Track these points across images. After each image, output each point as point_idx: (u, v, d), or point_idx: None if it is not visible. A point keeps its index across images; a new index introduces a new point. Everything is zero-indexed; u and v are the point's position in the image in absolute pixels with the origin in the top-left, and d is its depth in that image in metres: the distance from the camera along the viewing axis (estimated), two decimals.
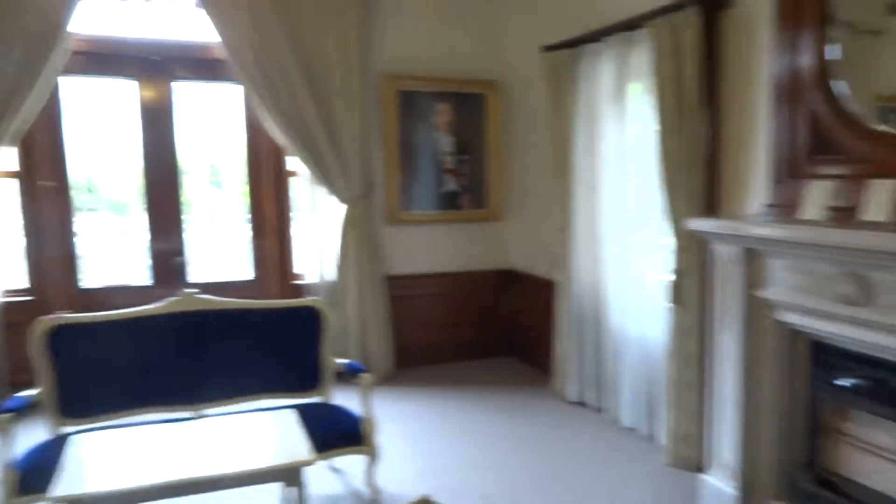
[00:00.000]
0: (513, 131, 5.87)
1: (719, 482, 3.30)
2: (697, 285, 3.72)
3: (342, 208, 5.29)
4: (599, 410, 4.67)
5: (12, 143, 4.57)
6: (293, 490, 2.63)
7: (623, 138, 4.32)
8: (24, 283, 4.94)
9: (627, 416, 4.36)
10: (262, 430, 2.87)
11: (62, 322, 3.40)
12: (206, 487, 2.45)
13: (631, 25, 4.05)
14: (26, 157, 4.81)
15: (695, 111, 3.65)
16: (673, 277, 3.77)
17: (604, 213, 4.54)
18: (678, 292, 3.75)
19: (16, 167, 4.80)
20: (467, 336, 5.97)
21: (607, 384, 4.58)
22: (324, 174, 5.20)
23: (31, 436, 3.35)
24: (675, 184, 3.72)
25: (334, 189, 5.25)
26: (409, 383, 5.37)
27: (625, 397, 4.38)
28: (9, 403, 3.10)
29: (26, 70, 4.41)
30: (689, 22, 3.58)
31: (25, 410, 3.14)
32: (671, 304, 3.79)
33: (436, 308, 5.86)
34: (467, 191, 5.87)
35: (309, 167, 5.18)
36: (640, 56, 4.04)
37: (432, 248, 5.85)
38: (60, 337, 3.37)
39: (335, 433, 3.36)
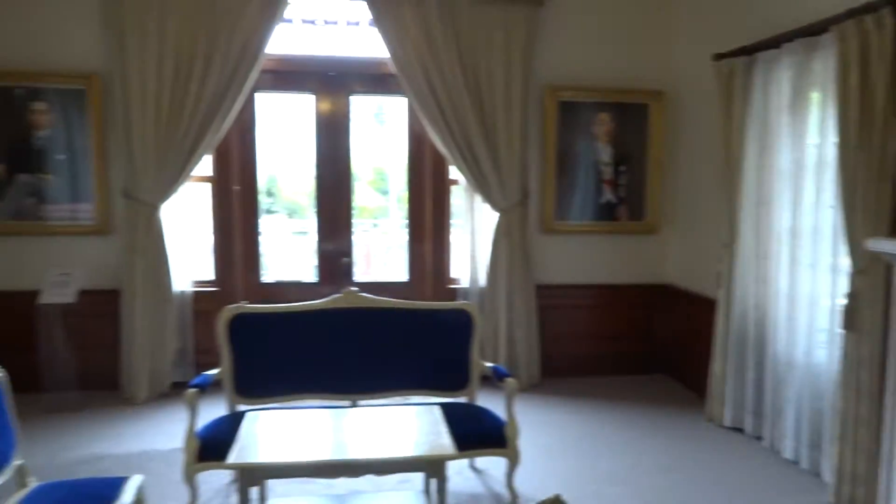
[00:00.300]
0: (676, 142, 5.66)
1: None
2: (877, 312, 3.38)
3: (497, 216, 5.40)
4: (758, 438, 4.38)
5: (211, 152, 5.18)
6: (435, 482, 2.75)
7: (798, 151, 4.04)
8: (211, 275, 5.56)
9: (789, 447, 4.05)
10: (410, 422, 3.03)
11: (243, 311, 3.80)
12: (358, 470, 2.64)
13: (813, 30, 3.79)
14: (220, 163, 5.42)
15: (884, 123, 3.33)
16: (848, 301, 3.46)
17: (773, 229, 4.26)
18: (853, 318, 3.43)
19: (210, 173, 5.42)
20: (617, 350, 5.84)
21: (767, 411, 4.28)
22: (481, 183, 5.35)
23: (211, 411, 3.79)
24: (855, 201, 3.42)
25: (490, 197, 5.38)
26: (553, 393, 5.35)
27: (787, 427, 4.07)
28: (195, 380, 3.52)
29: (227, 87, 4.98)
30: (881, 25, 3.28)
31: (208, 387, 3.54)
32: (845, 331, 3.48)
33: (586, 319, 5.79)
34: (624, 202, 5.75)
35: (467, 176, 5.35)
36: (823, 63, 3.77)
37: (586, 258, 5.78)
38: (240, 324, 3.77)
39: (478, 434, 3.45)
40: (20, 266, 5.11)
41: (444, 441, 2.71)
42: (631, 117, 5.67)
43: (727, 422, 4.60)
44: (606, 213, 5.75)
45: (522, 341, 5.45)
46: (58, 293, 4.89)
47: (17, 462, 2.67)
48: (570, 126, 5.61)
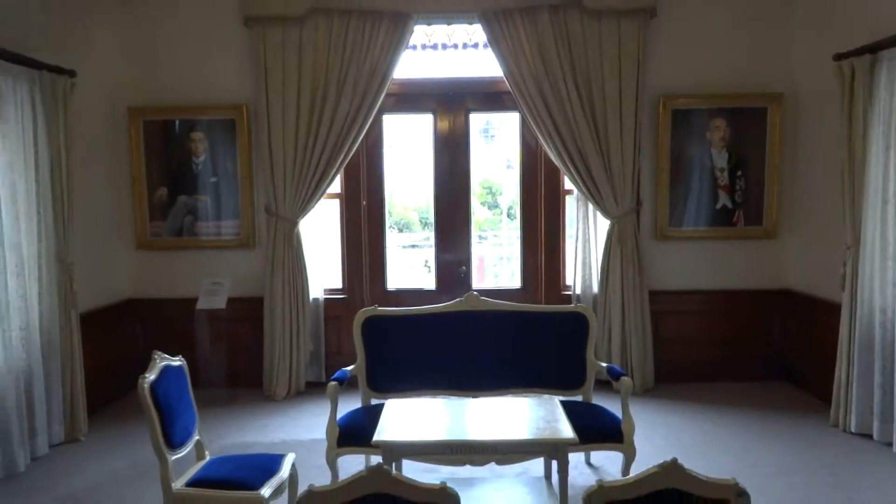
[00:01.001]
0: (796, 144, 5.58)
1: None
2: None
3: (610, 224, 5.53)
4: (888, 445, 4.25)
5: (341, 171, 5.67)
6: (554, 467, 2.96)
7: None
8: (340, 284, 6.04)
9: None
10: (532, 411, 3.25)
11: (375, 314, 4.18)
12: (486, 451, 2.91)
13: None
14: (348, 181, 5.91)
15: None
16: None
17: None
18: None
19: (339, 190, 5.92)
20: (735, 356, 5.77)
21: None
22: (594, 192, 5.50)
23: (345, 405, 4.17)
24: None
25: (603, 206, 5.52)
26: (668, 397, 5.38)
27: None
28: (335, 375, 3.92)
29: (357, 112, 5.45)
30: None
31: (344, 383, 3.93)
32: None
33: (702, 325, 5.78)
34: (741, 207, 5.70)
35: (580, 186, 5.52)
36: None
37: (701, 264, 5.78)
38: (373, 325, 4.16)
39: (595, 428, 3.62)
40: (180, 277, 5.80)
41: (564, 427, 2.92)
42: (747, 121, 5.64)
43: (853, 428, 4.48)
44: (722, 218, 5.73)
45: (636, 346, 5.53)
46: (211, 300, 5.53)
47: (196, 437, 3.14)
48: (683, 133, 5.66)
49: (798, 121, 5.54)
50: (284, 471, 3.09)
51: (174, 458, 2.92)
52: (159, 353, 3.06)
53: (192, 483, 2.94)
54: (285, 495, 3.17)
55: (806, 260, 5.50)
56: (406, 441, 2.97)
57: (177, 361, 3.12)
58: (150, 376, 2.87)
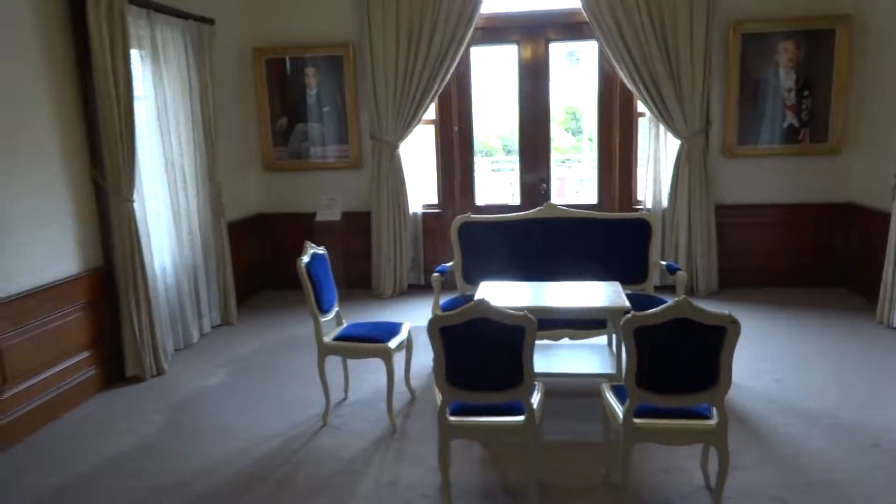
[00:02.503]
0: (863, 65, 5.87)
1: None
2: None
3: (680, 143, 6.06)
4: None
5: (435, 100, 6.42)
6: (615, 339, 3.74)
7: None
8: (435, 200, 6.88)
9: None
10: (599, 290, 3.98)
11: (469, 220, 4.98)
12: (561, 314, 3.68)
13: None
14: (442, 109, 6.66)
15: None
16: None
17: None
18: None
19: (434, 117, 6.68)
20: (798, 264, 6.29)
21: None
22: (665, 115, 6.03)
23: (446, 294, 5.06)
24: None
25: (673, 127, 6.05)
26: (730, 299, 6.00)
27: None
28: (437, 269, 4.79)
29: (448, 46, 6.14)
30: None
31: (445, 275, 4.79)
32: None
33: (767, 236, 6.30)
34: (807, 126, 6.09)
35: (652, 109, 6.05)
36: None
37: (767, 180, 6.25)
38: (466, 230, 4.96)
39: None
40: (299, 194, 6.81)
41: (623, 300, 3.68)
42: (816, 43, 5.95)
43: (895, 323, 5.00)
44: (789, 136, 6.14)
45: (701, 255, 6.14)
46: (327, 213, 6.52)
47: (336, 308, 4.11)
48: (753, 56, 6.04)
49: (865, 42, 5.81)
50: (404, 333, 4.02)
51: (323, 320, 3.89)
52: (309, 242, 4.00)
53: (337, 338, 3.92)
54: (403, 353, 4.13)
55: (868, 174, 5.87)
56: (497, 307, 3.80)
57: (321, 250, 4.06)
58: (305, 258, 3.82)
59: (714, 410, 2.71)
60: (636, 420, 2.69)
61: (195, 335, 5.39)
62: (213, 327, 5.72)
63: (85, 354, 4.40)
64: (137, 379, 4.65)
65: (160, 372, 4.74)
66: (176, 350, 5.17)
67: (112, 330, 4.59)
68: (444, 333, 2.75)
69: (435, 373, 2.86)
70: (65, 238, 4.26)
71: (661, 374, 2.61)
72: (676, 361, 2.61)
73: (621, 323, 2.56)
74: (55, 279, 4.15)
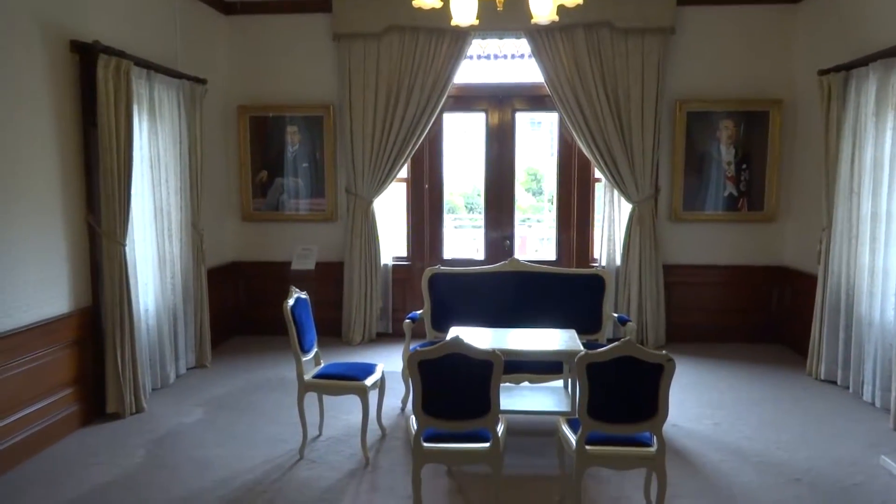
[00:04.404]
0: (793, 143, 6.59)
1: None
2: None
3: (632, 207, 6.63)
4: (846, 388, 5.32)
5: (408, 161, 6.91)
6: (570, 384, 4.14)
7: (880, 150, 4.94)
8: (405, 252, 7.29)
9: (867, 391, 5.03)
10: (556, 336, 4.39)
11: (438, 272, 5.39)
12: (522, 357, 4.09)
13: (893, 53, 4.70)
14: (414, 169, 7.14)
15: None
16: None
17: (860, 214, 5.16)
18: None
19: (406, 175, 7.15)
20: (738, 321, 6.85)
21: (852, 363, 5.21)
22: (618, 181, 6.61)
23: (415, 340, 5.41)
24: None
25: (627, 192, 6.63)
26: (677, 352, 6.38)
27: (867, 374, 5.02)
28: (408, 315, 5.16)
29: (423, 111, 6.67)
30: None
31: (415, 321, 5.15)
32: None
33: (710, 294, 6.86)
34: (745, 195, 6.74)
35: (606, 175, 6.64)
36: None
37: (709, 243, 6.85)
38: (436, 280, 5.37)
39: None
40: (276, 243, 7.15)
41: (579, 345, 4.10)
42: (752, 122, 6.67)
43: (822, 375, 5.54)
44: (729, 204, 6.78)
45: (651, 310, 6.64)
46: (303, 262, 6.86)
47: (315, 349, 4.42)
48: (697, 132, 6.72)
49: (794, 123, 6.55)
50: (378, 373, 4.36)
51: (304, 359, 4.20)
52: (294, 287, 4.34)
53: (316, 376, 4.23)
54: (376, 392, 4.45)
55: (798, 241, 6.52)
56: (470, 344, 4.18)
57: (304, 294, 4.40)
58: (290, 301, 4.15)
59: (654, 438, 3.11)
60: (587, 447, 3.07)
61: (172, 376, 5.61)
62: (188, 369, 5.94)
63: (68, 391, 4.60)
64: (117, 416, 4.84)
65: (139, 409, 4.94)
66: (154, 389, 5.38)
67: (95, 367, 4.80)
68: (422, 367, 3.11)
69: (413, 402, 3.20)
70: (60, 278, 4.52)
71: (608, 405, 3.02)
72: (622, 394, 3.02)
73: (575, 360, 2.97)
74: (49, 317, 4.38)
